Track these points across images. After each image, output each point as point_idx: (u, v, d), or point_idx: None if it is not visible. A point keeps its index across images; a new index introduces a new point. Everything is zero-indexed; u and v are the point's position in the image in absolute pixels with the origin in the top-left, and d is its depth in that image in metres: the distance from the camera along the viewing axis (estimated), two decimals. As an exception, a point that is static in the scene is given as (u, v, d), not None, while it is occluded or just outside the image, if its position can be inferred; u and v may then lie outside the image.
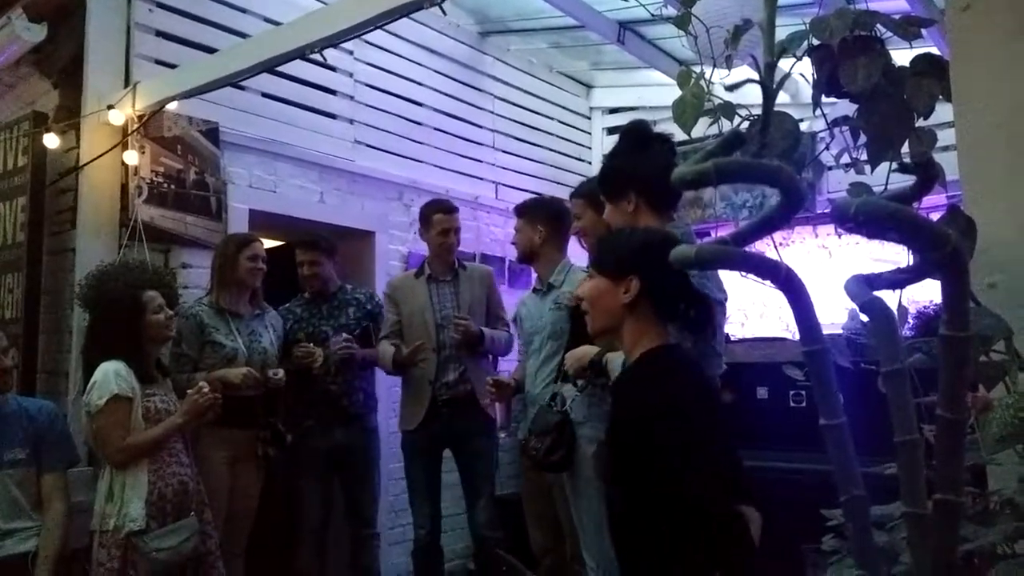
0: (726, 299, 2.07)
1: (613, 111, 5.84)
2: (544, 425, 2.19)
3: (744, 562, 1.50)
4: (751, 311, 5.00)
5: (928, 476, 0.99)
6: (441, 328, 3.40)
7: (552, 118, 5.54)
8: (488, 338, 3.38)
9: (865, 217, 0.90)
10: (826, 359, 1.06)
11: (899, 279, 1.07)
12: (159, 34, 3.52)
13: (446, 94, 4.78)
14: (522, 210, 3.17)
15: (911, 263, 1.06)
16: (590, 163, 5.75)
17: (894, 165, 1.23)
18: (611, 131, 5.80)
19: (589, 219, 2.71)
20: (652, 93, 5.27)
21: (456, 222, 3.49)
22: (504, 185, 5.09)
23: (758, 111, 1.37)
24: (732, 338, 4.44)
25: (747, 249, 1.13)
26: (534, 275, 3.27)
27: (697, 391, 1.62)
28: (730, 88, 1.32)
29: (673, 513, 1.52)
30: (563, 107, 5.64)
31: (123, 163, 3.33)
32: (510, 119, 5.21)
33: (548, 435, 2.29)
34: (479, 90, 5.00)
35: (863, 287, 1.02)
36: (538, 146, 5.40)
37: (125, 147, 3.30)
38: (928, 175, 1.17)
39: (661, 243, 1.71)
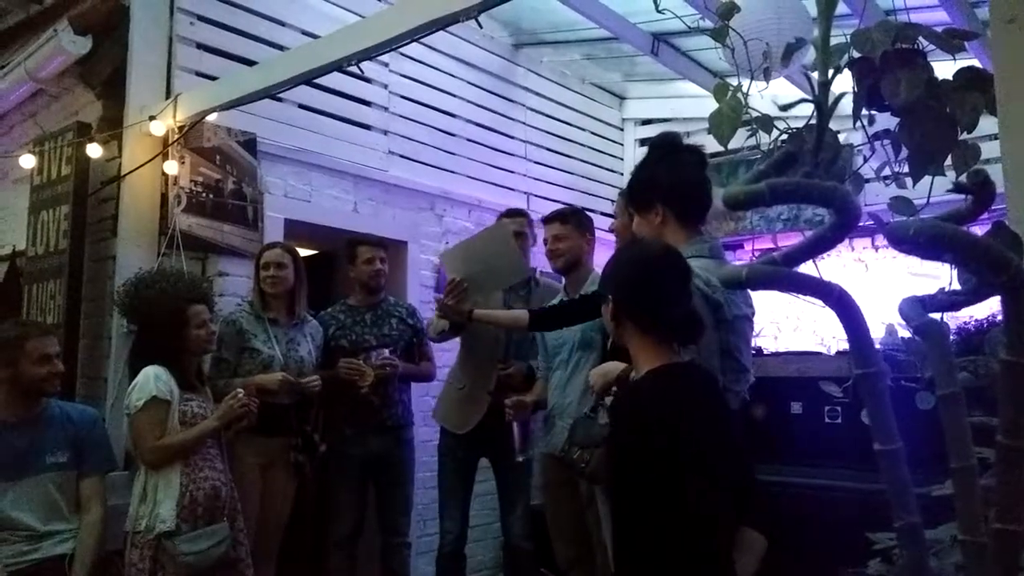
0: (753, 314, 2.05)
1: (646, 122, 5.83)
2: (591, 438, 2.18)
3: None
4: (785, 324, 4.94)
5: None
6: (507, 342, 3.36)
7: (584, 129, 5.54)
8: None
9: (926, 240, 0.88)
10: (881, 382, 1.03)
11: (955, 301, 1.05)
12: (200, 47, 3.59)
13: (479, 105, 4.81)
14: (568, 216, 3.09)
15: (963, 284, 1.04)
16: (622, 174, 5.73)
17: (937, 180, 1.21)
18: (643, 143, 5.78)
19: (622, 223, 2.69)
20: (686, 105, 5.25)
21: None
22: (536, 196, 5.09)
23: (794, 124, 1.36)
24: (765, 352, 4.39)
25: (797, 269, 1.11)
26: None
27: (691, 413, 1.58)
28: (784, 108, 1.30)
29: (650, 533, 1.52)
30: (596, 118, 5.64)
31: (163, 173, 3.38)
32: (542, 130, 5.22)
33: (598, 448, 2.28)
34: (512, 101, 5.02)
35: (918, 309, 1.00)
36: (570, 157, 5.40)
37: (166, 157, 3.36)
38: (984, 195, 1.14)
39: (632, 263, 1.72)
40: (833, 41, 1.27)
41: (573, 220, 3.07)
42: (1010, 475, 0.91)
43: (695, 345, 1.74)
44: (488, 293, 3.17)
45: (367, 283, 3.51)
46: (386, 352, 3.36)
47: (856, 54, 1.23)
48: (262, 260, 3.23)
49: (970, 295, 1.04)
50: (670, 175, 2.05)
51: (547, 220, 3.16)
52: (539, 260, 3.52)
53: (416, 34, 2.67)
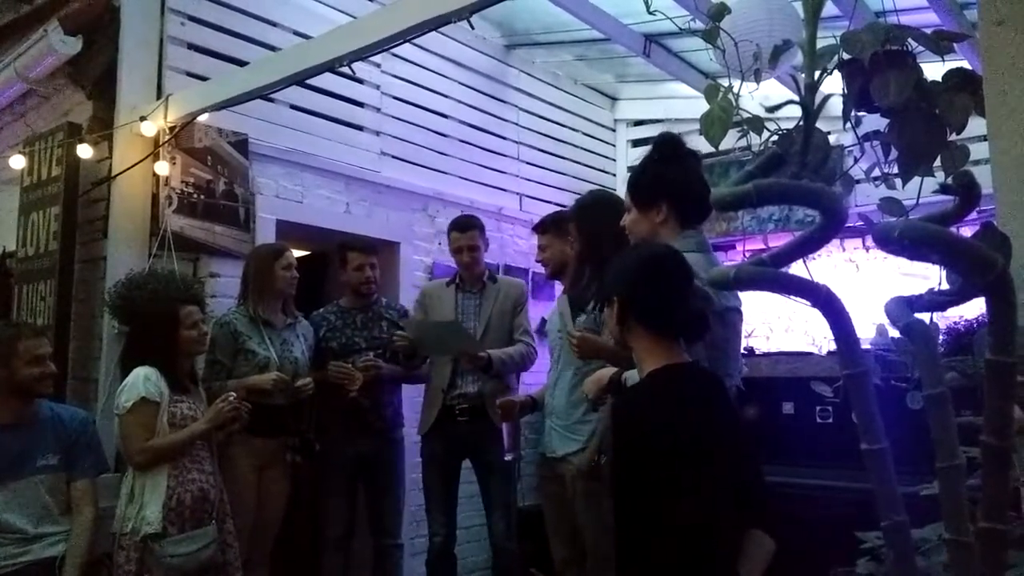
0: (740, 305, 2.06)
1: (638, 123, 5.84)
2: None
3: None
4: (776, 325, 4.95)
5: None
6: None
7: (577, 130, 5.55)
8: (498, 361, 3.33)
9: (911, 241, 0.88)
10: (867, 382, 1.04)
11: (941, 301, 1.05)
12: (191, 47, 3.58)
13: (471, 106, 4.81)
14: (547, 225, 3.15)
15: (952, 284, 1.04)
16: (614, 175, 5.75)
17: (926, 180, 1.21)
18: (636, 143, 5.80)
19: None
20: (677, 105, 5.26)
21: (467, 240, 3.49)
22: (528, 197, 5.10)
23: (786, 125, 1.36)
24: (757, 352, 4.40)
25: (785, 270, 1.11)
26: (558, 287, 3.27)
27: (690, 415, 1.59)
28: (771, 109, 1.31)
29: (650, 533, 1.53)
30: (588, 119, 5.64)
31: (154, 173, 3.37)
32: (535, 131, 5.23)
33: None
34: (504, 102, 5.02)
35: (904, 309, 1.01)
36: (563, 158, 5.41)
37: (156, 158, 3.35)
38: (970, 195, 1.15)
39: (639, 263, 1.73)
40: (823, 43, 1.28)
41: (552, 228, 3.13)
42: (995, 474, 0.92)
43: (701, 342, 1.75)
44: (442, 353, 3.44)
45: (358, 290, 3.53)
46: (371, 354, 3.37)
47: (846, 56, 1.23)
48: (284, 261, 3.21)
49: (956, 295, 1.04)
50: (680, 176, 2.07)
51: (533, 230, 3.27)
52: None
53: (408, 35, 2.67)
